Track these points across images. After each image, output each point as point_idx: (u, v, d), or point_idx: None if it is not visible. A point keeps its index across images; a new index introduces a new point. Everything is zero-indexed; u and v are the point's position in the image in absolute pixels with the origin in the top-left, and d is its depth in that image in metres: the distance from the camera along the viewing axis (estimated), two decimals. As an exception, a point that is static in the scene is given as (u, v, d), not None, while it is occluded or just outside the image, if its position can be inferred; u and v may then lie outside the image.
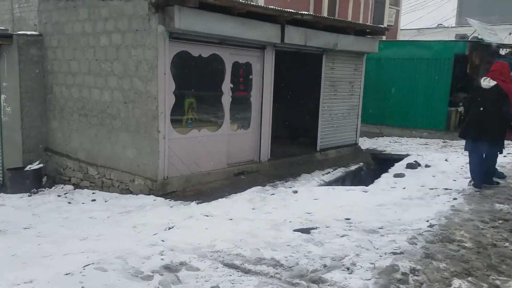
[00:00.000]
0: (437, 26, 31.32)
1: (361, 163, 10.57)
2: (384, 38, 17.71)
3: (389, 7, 18.59)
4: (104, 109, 7.63)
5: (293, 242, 4.17)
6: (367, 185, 8.06)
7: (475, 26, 12.76)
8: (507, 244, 4.01)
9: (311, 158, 9.97)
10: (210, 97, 7.58)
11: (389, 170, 9.36)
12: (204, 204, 6.02)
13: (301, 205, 5.76)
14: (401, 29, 29.62)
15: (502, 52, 13.07)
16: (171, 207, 6.16)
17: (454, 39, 13.44)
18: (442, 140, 12.27)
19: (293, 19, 8.06)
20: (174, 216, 5.52)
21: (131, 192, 7.18)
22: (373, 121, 13.87)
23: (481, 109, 5.92)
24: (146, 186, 6.97)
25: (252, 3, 7.48)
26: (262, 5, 8.05)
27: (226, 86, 7.58)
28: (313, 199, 6.18)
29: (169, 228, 5.00)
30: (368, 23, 15.24)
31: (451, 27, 28.99)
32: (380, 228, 4.55)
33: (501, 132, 5.98)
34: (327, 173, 9.15)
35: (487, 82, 5.99)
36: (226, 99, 7.61)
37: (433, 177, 8.16)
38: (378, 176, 9.03)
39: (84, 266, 3.64)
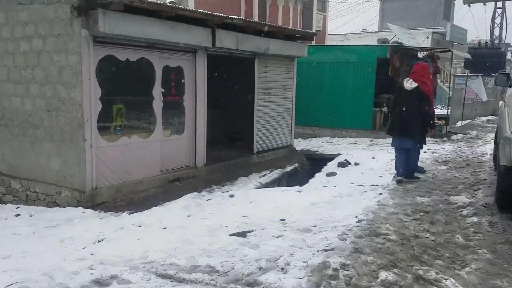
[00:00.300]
0: (362, 31, 33.05)
1: (296, 164, 10.84)
2: (313, 42, 18.34)
3: (317, 13, 19.30)
4: (26, 118, 7.13)
5: (229, 246, 4.16)
6: (302, 185, 8.28)
7: (395, 31, 13.61)
8: (428, 235, 4.29)
9: (248, 161, 10.05)
10: (140, 103, 7.36)
11: (322, 169, 9.69)
12: (137, 214, 5.82)
13: (238, 209, 5.76)
14: (329, 34, 30.88)
15: (420, 55, 14.05)
16: (101, 219, 5.88)
17: (376, 43, 14.22)
18: (370, 139, 12.93)
19: (223, 23, 8.08)
20: (104, 228, 5.28)
21: (58, 205, 6.76)
22: (306, 122, 14.28)
23: (404, 108, 6.41)
24: (74, 198, 6.60)
25: (180, 6, 7.35)
26: (190, 9, 7.94)
27: (157, 90, 7.40)
28: (249, 202, 6.22)
29: (99, 241, 4.77)
30: (298, 28, 15.69)
31: (374, 32, 30.70)
32: (313, 227, 4.67)
33: (422, 130, 6.46)
34: (264, 175, 9.26)
35: (409, 84, 6.46)
36: (158, 104, 7.43)
37: (361, 174, 8.57)
38: (312, 175, 9.32)
39: (7, 286, 3.38)
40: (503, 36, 21.97)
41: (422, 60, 13.60)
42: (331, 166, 9.88)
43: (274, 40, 9.97)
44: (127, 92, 7.07)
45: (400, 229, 4.46)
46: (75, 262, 3.99)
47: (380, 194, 5.90)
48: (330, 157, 10.95)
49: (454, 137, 12.40)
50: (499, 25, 22.53)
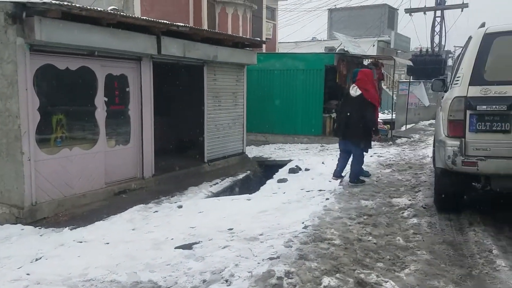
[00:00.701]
0: (312, 39, 33.90)
1: (249, 171, 10.85)
2: (264, 50, 18.55)
3: (267, 21, 19.56)
4: (-44, 132, 6.64)
5: (173, 260, 4.06)
6: (254, 192, 8.32)
7: (341, 39, 14.03)
8: (370, 238, 4.40)
9: (199, 170, 9.92)
10: (82, 113, 7.07)
11: (274, 176, 9.77)
12: (79, 229, 5.56)
13: (186, 220, 5.65)
14: (280, 42, 31.35)
15: (365, 62, 14.57)
16: (41, 235, 5.56)
17: (324, 51, 14.59)
18: (320, 144, 13.19)
19: (169, 30, 7.96)
20: (43, 245, 5.00)
21: (-6, 223, 6.34)
22: (259, 129, 14.34)
23: (348, 114, 6.67)
24: (12, 215, 6.22)
25: (122, 13, 7.16)
26: (133, 16, 7.77)
27: (100, 100, 7.14)
28: (198, 212, 6.12)
29: (37, 259, 4.51)
30: (248, 36, 15.80)
31: (324, 40, 31.58)
32: (260, 235, 4.66)
33: (365, 135, 6.69)
34: (215, 184, 9.18)
35: (354, 91, 6.70)
36: (101, 114, 7.18)
37: (312, 179, 8.71)
38: (264, 182, 9.37)
39: None
40: (443, 43, 23.29)
41: (366, 67, 14.16)
42: (282, 172, 9.98)
43: (223, 47, 9.96)
44: (67, 102, 6.78)
45: (344, 233, 4.55)
46: (9, 284, 3.75)
47: (327, 199, 6.01)
48: (282, 164, 11.06)
49: (398, 140, 12.92)
50: (438, 33, 23.88)
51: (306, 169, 9.79)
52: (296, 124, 14.05)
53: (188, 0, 14.85)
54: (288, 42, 31.82)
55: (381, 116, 19.40)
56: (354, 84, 6.86)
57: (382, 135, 13.76)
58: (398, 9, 33.83)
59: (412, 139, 13.26)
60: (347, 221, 4.94)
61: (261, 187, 8.81)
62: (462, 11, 22.44)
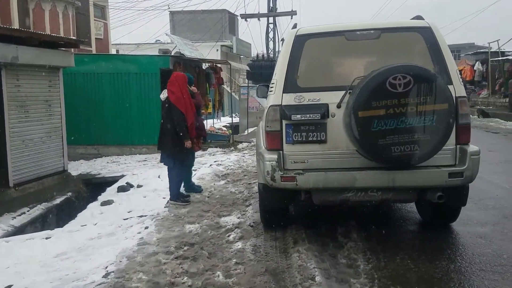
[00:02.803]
0: (156, 41, 32.55)
1: (70, 193, 9.30)
2: (94, 51, 16.72)
3: (95, 20, 17.65)
4: None
5: None
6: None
7: (175, 41, 13.29)
8: (185, 278, 3.63)
9: (3, 198, 7.98)
10: None
11: (99, 197, 8.47)
12: None
13: None
14: (119, 44, 29.28)
15: (204, 66, 14.09)
16: None
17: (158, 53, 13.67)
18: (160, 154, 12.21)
19: None
20: None
21: None
22: (89, 141, 12.66)
23: (162, 121, 5.91)
24: None
25: None
26: None
27: None
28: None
29: None
30: (72, 36, 13.87)
31: (168, 43, 30.53)
32: (44, 294, 3.51)
33: (174, 144, 5.92)
34: (20, 215, 7.52)
35: (162, 94, 5.97)
36: None
37: (144, 197, 7.75)
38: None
39: None
40: (277, 49, 24.49)
41: (208, 71, 13.71)
42: (110, 191, 8.74)
43: (26, 47, 8.21)
44: None
45: (155, 276, 3.70)
46: None
47: (146, 227, 5.08)
48: (113, 180, 9.80)
49: (240, 146, 12.74)
50: (272, 39, 25.06)
51: (139, 186, 8.74)
52: (133, 134, 12.77)
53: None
54: (129, 44, 29.90)
55: (227, 121, 19.38)
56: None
57: (223, 141, 13.48)
58: (238, 15, 34.83)
59: (252, 143, 13.23)
60: (163, 258, 4.10)
61: (79, 214, 7.46)
62: (291, 18, 24.00)
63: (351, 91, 3.81)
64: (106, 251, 4.44)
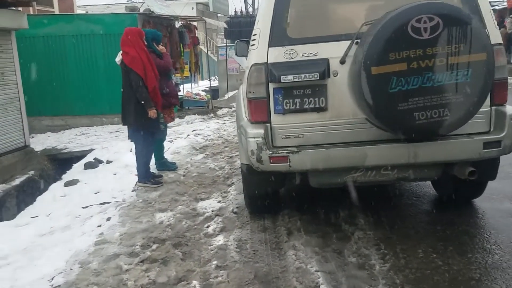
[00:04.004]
0: (128, 1, 30.53)
1: (32, 172, 8.32)
2: (57, 12, 15.22)
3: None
4: None
5: None
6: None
7: (144, -3, 11.95)
8: (151, 292, 2.81)
9: (-50, 182, 6.99)
10: None
11: (63, 176, 7.54)
12: None
13: None
14: (88, 5, 27.30)
15: (177, 24, 12.82)
16: None
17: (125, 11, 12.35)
18: (133, 124, 11.19)
19: None
20: None
21: None
22: (55, 112, 11.54)
23: (122, 90, 4.91)
24: None
25: None
26: None
27: None
28: None
29: None
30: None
31: (139, 1, 28.63)
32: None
33: (137, 115, 4.90)
34: (-30, 201, 6.52)
35: (117, 57, 4.91)
36: None
37: (114, 175, 6.82)
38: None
39: None
40: (257, 4, 22.93)
41: (180, 30, 12.46)
42: (76, 169, 7.77)
43: (-38, 6, 6.96)
44: None
45: (113, 290, 2.87)
46: None
47: (108, 219, 4.20)
48: (81, 155, 8.82)
49: (220, 112, 11.79)
50: (251, -6, 23.41)
51: (108, 161, 7.76)
52: (103, 102, 11.61)
53: None
54: (98, 5, 27.92)
55: (205, 85, 18.23)
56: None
57: (201, 107, 12.45)
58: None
59: (233, 108, 12.26)
60: (124, 263, 3.25)
61: (39, 197, 6.52)
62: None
63: (359, 40, 2.89)
64: (56, 253, 3.57)
